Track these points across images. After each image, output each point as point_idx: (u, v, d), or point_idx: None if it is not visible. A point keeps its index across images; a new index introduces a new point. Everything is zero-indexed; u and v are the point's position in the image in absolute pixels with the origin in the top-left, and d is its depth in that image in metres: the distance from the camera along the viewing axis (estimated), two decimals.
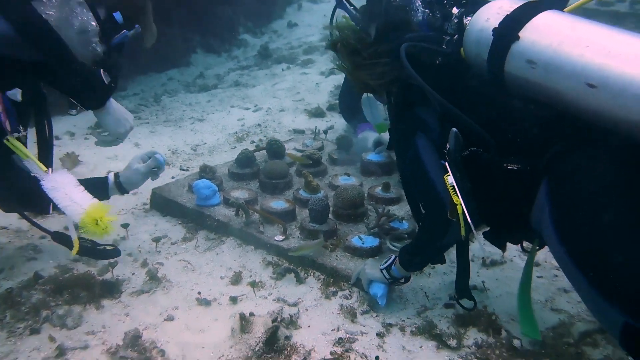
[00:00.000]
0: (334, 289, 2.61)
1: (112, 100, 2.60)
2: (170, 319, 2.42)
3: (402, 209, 3.16)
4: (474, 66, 2.01)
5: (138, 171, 2.87)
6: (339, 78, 5.76)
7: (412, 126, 2.19)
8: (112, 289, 2.58)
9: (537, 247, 2.17)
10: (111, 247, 2.71)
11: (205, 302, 2.53)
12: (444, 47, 2.08)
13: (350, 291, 2.60)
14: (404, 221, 2.96)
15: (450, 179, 1.92)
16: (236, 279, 2.70)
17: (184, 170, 3.95)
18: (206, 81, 6.29)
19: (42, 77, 2.46)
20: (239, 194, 3.26)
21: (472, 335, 2.27)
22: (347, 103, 4.10)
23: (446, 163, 1.96)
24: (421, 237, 2.32)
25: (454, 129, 1.92)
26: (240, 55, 7.19)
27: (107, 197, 2.86)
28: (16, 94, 2.33)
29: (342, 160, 3.75)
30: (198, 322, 2.40)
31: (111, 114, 2.60)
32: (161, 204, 3.33)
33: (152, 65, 6.23)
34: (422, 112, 2.17)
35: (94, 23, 2.42)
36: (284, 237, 2.91)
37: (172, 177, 3.69)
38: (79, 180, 2.46)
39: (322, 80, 5.87)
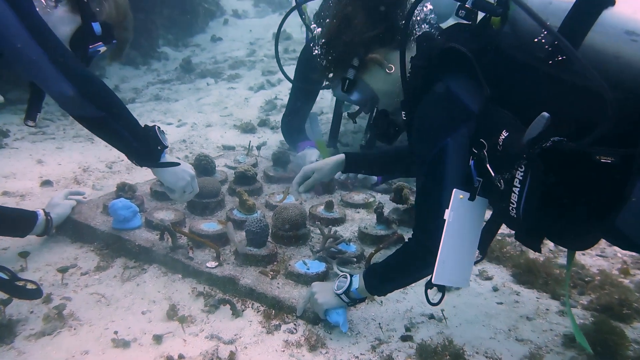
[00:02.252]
0: (277, 322, 2.30)
1: (165, 154, 2.53)
2: None
3: (347, 230, 2.92)
4: (515, 36, 1.73)
5: (68, 206, 2.87)
6: (269, 93, 5.56)
7: (453, 116, 1.76)
8: (2, 333, 2.14)
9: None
10: (33, 286, 2.30)
11: (123, 344, 2.15)
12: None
13: (295, 324, 2.29)
14: (350, 243, 2.72)
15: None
16: (161, 314, 2.33)
17: (97, 189, 3.51)
18: (122, 94, 5.85)
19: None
20: (164, 215, 2.90)
21: None
22: (291, 124, 3.85)
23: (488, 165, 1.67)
24: (401, 261, 2.01)
25: (545, 114, 1.52)
26: (161, 68, 6.80)
27: (25, 235, 2.68)
28: None
29: (279, 177, 3.47)
30: None
31: (168, 170, 2.54)
32: (70, 228, 2.90)
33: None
34: (456, 85, 1.78)
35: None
36: (217, 264, 2.58)
37: (84, 198, 3.25)
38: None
39: (251, 95, 5.60)
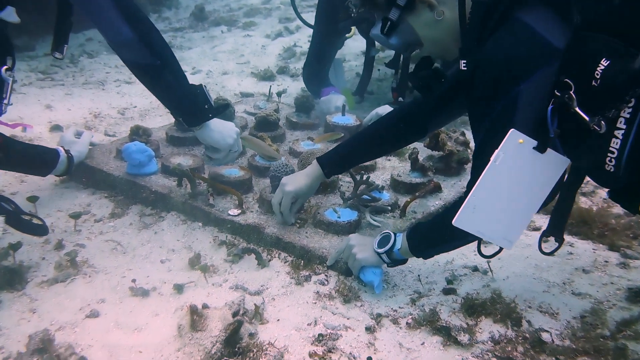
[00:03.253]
0: (307, 273, 2.14)
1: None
2: (94, 315, 1.89)
3: (378, 178, 2.73)
4: None
5: (86, 143, 2.74)
6: (288, 40, 5.31)
7: (529, 57, 1.49)
8: (13, 279, 2.00)
9: None
10: (38, 221, 2.17)
11: (141, 292, 2.01)
12: None
13: (326, 275, 2.14)
14: (384, 191, 2.53)
15: None
16: (181, 263, 2.18)
17: (109, 136, 3.34)
18: None
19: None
20: (182, 160, 2.72)
21: (486, 328, 1.86)
22: (313, 72, 3.60)
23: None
24: (449, 222, 1.68)
25: None
26: (172, 16, 6.53)
27: (47, 173, 2.53)
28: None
29: (302, 124, 3.27)
30: (132, 318, 1.88)
31: (214, 129, 2.51)
32: (82, 173, 2.73)
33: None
34: (532, 18, 1.51)
35: None
36: (239, 211, 2.41)
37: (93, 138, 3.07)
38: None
39: (268, 43, 5.35)
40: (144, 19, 2.22)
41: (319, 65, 3.62)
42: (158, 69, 2.25)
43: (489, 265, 2.15)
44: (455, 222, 1.60)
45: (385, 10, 1.75)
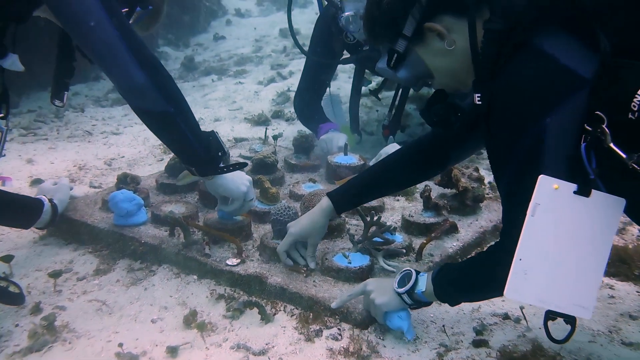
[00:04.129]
0: (317, 327, 1.91)
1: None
2: None
3: (387, 220, 2.52)
4: None
5: (66, 189, 2.59)
6: (281, 86, 5.22)
7: (553, 88, 1.34)
8: None
9: None
10: (15, 289, 2.00)
11: (129, 358, 1.77)
12: None
13: (339, 329, 1.91)
14: (396, 233, 2.33)
15: None
16: (175, 322, 1.95)
17: (95, 187, 3.15)
18: (119, 95, 5.49)
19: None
20: (174, 208, 2.52)
21: None
22: (306, 101, 3.49)
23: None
24: (483, 270, 1.56)
25: None
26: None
27: (30, 225, 2.36)
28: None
29: (302, 165, 3.10)
30: None
31: (226, 177, 2.30)
32: (63, 227, 2.53)
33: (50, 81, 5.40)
34: (553, 45, 1.37)
35: None
36: (239, 261, 2.20)
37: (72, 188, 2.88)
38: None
39: (261, 89, 5.24)
40: (158, 64, 2.06)
41: (311, 95, 3.50)
42: (171, 117, 2.08)
43: (522, 313, 1.93)
44: (507, 293, 1.38)
45: (392, 41, 1.60)
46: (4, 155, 2.36)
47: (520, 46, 1.40)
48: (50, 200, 2.40)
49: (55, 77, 2.34)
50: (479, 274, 1.57)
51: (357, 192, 2.09)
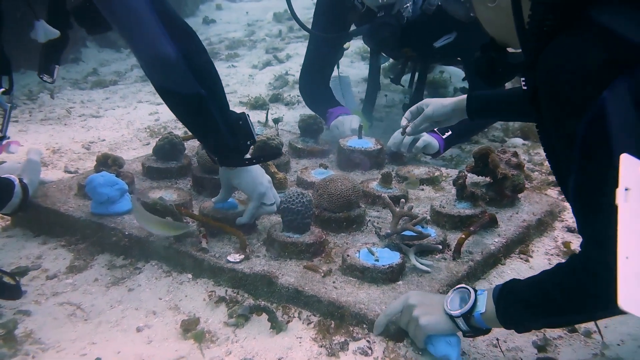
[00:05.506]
0: (341, 339, 1.59)
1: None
2: None
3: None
4: None
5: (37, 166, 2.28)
6: (278, 69, 4.90)
7: (609, 60, 1.11)
8: None
9: None
10: (11, 280, 1.73)
11: None
12: None
13: (368, 340, 1.59)
14: (427, 226, 2.02)
15: None
16: (165, 331, 1.63)
17: (70, 172, 2.80)
18: (102, 78, 5.15)
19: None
20: (164, 194, 2.18)
21: None
22: (312, 81, 3.17)
23: None
24: (566, 287, 1.27)
25: None
26: None
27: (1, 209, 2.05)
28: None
29: (309, 150, 2.77)
30: None
31: (248, 172, 1.96)
32: (31, 216, 2.18)
33: (24, 62, 5.02)
34: (610, 18, 1.15)
35: None
36: (242, 256, 1.87)
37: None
38: None
39: (255, 73, 4.91)
40: (192, 34, 1.76)
41: (318, 75, 3.18)
42: (202, 100, 1.77)
43: (596, 325, 1.61)
44: (622, 304, 1.07)
45: None
46: (9, 138, 2.10)
47: (574, 20, 1.18)
48: (20, 180, 2.06)
49: (45, 47, 2.06)
50: (563, 292, 1.25)
51: (490, 104, 2.03)
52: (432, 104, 2.14)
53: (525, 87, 1.32)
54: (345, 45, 3.19)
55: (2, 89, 1.98)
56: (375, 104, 3.37)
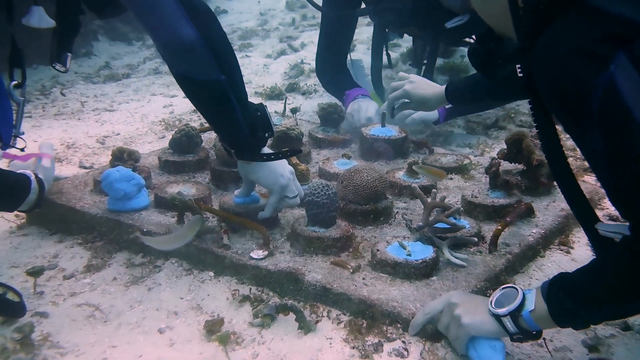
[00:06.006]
0: (375, 339, 1.51)
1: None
2: None
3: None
4: None
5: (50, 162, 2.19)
6: (293, 58, 4.82)
7: (609, 37, 1.07)
8: None
9: None
10: (15, 297, 1.61)
11: None
12: None
13: (404, 341, 1.50)
14: (460, 217, 1.92)
15: None
16: (188, 332, 1.55)
17: (85, 168, 2.73)
18: (114, 72, 5.10)
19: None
20: (182, 189, 2.11)
21: None
22: (328, 63, 3.11)
23: None
24: (622, 274, 1.17)
25: None
26: None
27: (18, 205, 1.96)
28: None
29: (330, 140, 2.67)
30: None
31: (267, 165, 1.87)
32: (47, 214, 2.11)
33: (37, 58, 4.99)
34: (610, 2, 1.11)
35: None
36: (266, 252, 1.79)
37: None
38: None
39: (270, 63, 4.82)
40: (212, 17, 1.68)
41: (333, 55, 3.13)
42: (222, 87, 1.68)
43: None
44: None
45: None
46: (23, 133, 2.05)
47: (568, 4, 1.14)
48: (36, 176, 2.00)
49: (56, 34, 1.96)
50: (622, 274, 1.15)
51: (466, 88, 2.27)
52: (416, 84, 2.41)
53: (520, 73, 1.29)
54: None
55: (15, 82, 1.92)
56: (382, 80, 3.30)
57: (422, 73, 3.12)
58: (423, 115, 2.70)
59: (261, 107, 1.85)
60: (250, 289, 1.74)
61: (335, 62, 3.09)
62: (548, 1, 1.16)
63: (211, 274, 1.83)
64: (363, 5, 2.96)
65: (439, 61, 3.83)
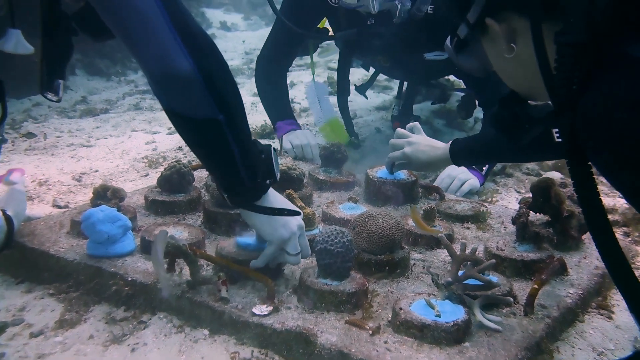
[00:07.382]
0: None
1: (269, 192, 1.68)
2: None
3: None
4: None
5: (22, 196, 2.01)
6: None
7: None
8: None
9: None
10: None
11: None
12: None
13: None
14: (489, 273, 1.73)
15: None
16: None
17: (59, 207, 2.50)
18: (92, 106, 4.91)
19: None
20: (173, 232, 1.89)
21: None
22: (267, 72, 3.22)
23: None
24: None
25: None
26: (139, 79, 5.88)
27: None
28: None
29: (332, 182, 2.49)
30: None
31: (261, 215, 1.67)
32: (14, 259, 1.87)
33: (9, 89, 4.77)
34: None
35: None
36: (270, 308, 1.57)
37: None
38: None
39: (257, 101, 4.67)
40: (211, 46, 1.49)
41: (274, 66, 3.16)
42: (219, 127, 1.49)
43: None
44: None
45: (456, 22, 1.34)
46: None
47: (610, 59, 1.09)
48: (4, 212, 1.76)
49: (46, 60, 1.74)
50: None
51: (480, 147, 2.11)
52: (416, 146, 2.21)
53: (559, 138, 1.19)
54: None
55: None
56: (349, 111, 3.29)
57: (401, 104, 3.34)
58: (471, 185, 2.60)
59: (267, 150, 1.67)
60: (252, 351, 1.51)
61: (275, 70, 3.15)
62: (588, 61, 1.07)
63: (206, 332, 1.60)
64: (327, 25, 3.00)
65: (436, 105, 3.77)
